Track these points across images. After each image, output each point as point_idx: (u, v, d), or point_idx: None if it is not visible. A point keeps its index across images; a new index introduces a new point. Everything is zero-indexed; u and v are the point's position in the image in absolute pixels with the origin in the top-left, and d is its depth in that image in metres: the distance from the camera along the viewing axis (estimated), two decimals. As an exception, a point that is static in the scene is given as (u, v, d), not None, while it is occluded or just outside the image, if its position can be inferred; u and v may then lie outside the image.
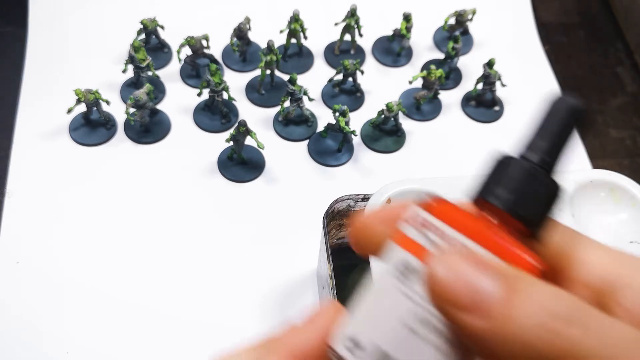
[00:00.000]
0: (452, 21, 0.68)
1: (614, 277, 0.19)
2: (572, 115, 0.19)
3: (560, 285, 0.18)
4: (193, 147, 0.59)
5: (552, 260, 0.20)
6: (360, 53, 0.67)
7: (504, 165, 0.19)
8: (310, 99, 0.60)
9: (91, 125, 0.59)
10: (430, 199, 0.19)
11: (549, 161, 0.19)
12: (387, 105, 0.58)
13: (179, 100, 0.62)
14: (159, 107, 0.61)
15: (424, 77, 0.61)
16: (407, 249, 0.18)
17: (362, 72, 0.62)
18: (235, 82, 0.63)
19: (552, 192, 0.19)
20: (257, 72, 0.64)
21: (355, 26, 0.65)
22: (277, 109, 0.61)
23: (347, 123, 0.56)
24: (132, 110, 0.57)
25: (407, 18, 0.65)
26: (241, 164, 0.57)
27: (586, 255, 0.20)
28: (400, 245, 0.18)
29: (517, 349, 0.16)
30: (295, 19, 0.63)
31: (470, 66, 0.67)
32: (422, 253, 0.18)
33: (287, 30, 0.64)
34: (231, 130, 0.57)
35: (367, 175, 0.59)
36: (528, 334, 0.16)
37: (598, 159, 0.62)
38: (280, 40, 0.65)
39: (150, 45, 0.64)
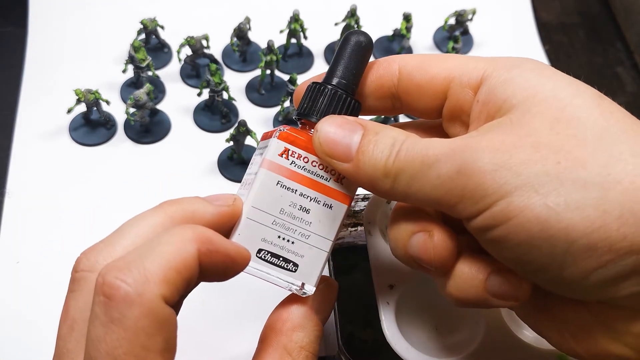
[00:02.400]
0: (452, 21, 0.68)
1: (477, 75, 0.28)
2: (357, 46, 0.30)
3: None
4: (193, 147, 0.59)
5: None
6: (360, 53, 0.67)
7: (313, 90, 0.29)
8: (310, 99, 0.60)
9: (91, 125, 0.59)
10: (280, 131, 0.28)
11: (344, 82, 0.29)
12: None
13: (179, 100, 0.62)
14: (159, 107, 0.61)
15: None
16: (279, 173, 0.28)
17: (362, 72, 0.63)
18: (235, 82, 0.63)
19: (349, 105, 0.29)
20: (257, 72, 0.64)
21: (356, 26, 0.65)
22: (277, 109, 0.61)
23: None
24: (132, 110, 0.57)
25: (407, 18, 0.65)
26: (241, 164, 0.57)
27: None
28: (273, 171, 0.28)
29: (367, 175, 0.26)
30: (295, 19, 0.63)
31: (470, 66, 0.67)
32: (285, 171, 0.28)
33: (287, 30, 0.64)
34: (231, 130, 0.57)
35: (367, 175, 0.59)
36: (370, 163, 0.26)
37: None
38: (280, 40, 0.65)
39: (150, 45, 0.64)
